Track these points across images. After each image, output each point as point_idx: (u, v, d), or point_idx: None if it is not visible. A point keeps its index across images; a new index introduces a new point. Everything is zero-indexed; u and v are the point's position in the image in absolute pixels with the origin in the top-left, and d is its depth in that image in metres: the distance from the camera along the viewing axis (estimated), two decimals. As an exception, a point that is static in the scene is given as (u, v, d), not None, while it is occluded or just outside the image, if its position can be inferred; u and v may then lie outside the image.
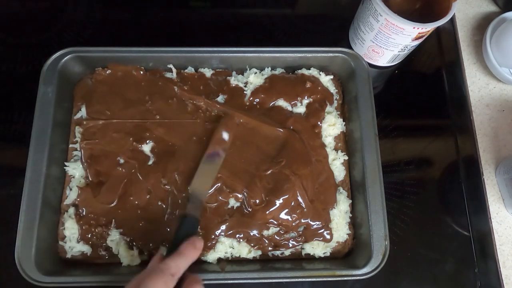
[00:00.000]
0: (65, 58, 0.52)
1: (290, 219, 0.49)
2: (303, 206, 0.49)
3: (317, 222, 0.50)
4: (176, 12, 0.63)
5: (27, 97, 0.51)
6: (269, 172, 0.50)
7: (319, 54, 0.55)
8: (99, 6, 0.62)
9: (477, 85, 0.61)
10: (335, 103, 0.55)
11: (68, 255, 0.47)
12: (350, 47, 0.60)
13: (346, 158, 0.53)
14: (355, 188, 0.52)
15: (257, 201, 0.49)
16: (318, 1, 0.67)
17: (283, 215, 0.49)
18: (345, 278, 0.47)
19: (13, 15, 0.61)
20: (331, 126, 0.54)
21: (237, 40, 0.61)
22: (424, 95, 0.61)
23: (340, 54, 0.54)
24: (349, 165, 0.53)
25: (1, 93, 0.56)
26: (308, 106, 0.54)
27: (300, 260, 0.50)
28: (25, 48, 0.58)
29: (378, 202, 0.48)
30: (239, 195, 0.49)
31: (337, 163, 0.53)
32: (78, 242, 0.47)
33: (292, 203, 0.49)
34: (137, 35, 0.61)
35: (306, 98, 0.54)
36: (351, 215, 0.51)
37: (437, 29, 0.62)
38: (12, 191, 0.50)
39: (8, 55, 0.58)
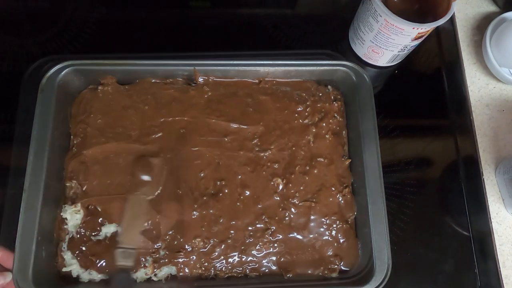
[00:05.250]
0: (65, 71, 0.51)
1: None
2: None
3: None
4: (176, 12, 0.63)
5: (27, 97, 0.51)
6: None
7: (318, 68, 0.55)
8: (99, 6, 0.62)
9: (477, 85, 0.61)
10: (336, 108, 0.55)
11: (67, 269, 0.47)
12: (350, 47, 0.60)
13: (349, 161, 0.53)
14: (355, 188, 0.52)
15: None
16: (318, 1, 0.67)
17: None
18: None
19: (13, 14, 0.61)
20: (331, 127, 0.54)
21: (237, 40, 0.61)
22: (424, 95, 0.61)
23: (342, 68, 0.54)
24: (349, 166, 0.53)
25: (1, 93, 0.56)
26: (308, 117, 0.54)
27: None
28: (24, 47, 0.58)
29: (379, 202, 0.48)
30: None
31: (337, 165, 0.53)
32: (80, 268, 0.47)
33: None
34: (136, 34, 0.61)
35: (306, 113, 0.54)
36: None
37: (437, 29, 0.62)
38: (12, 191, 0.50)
39: (7, 55, 0.58)
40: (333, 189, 0.51)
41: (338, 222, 0.50)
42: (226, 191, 0.50)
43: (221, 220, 0.49)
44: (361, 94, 0.53)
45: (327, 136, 0.54)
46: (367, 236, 0.48)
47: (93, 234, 0.48)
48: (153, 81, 0.54)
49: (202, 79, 0.54)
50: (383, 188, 0.49)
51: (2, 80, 0.57)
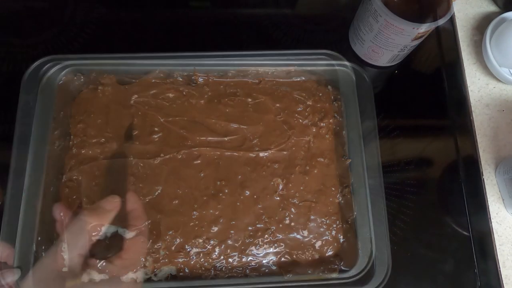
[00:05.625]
0: (65, 71, 0.51)
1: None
2: None
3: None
4: (176, 12, 0.63)
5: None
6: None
7: (318, 68, 0.55)
8: (99, 6, 0.62)
9: (477, 85, 0.61)
10: (336, 108, 0.55)
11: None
12: (350, 47, 0.60)
13: (349, 161, 0.53)
14: (355, 188, 0.52)
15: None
16: (318, 1, 0.67)
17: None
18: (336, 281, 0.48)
19: (13, 14, 0.61)
20: (331, 127, 0.54)
21: (237, 40, 0.61)
22: (424, 95, 0.61)
23: (342, 68, 0.54)
24: (349, 166, 0.53)
25: (1, 93, 0.56)
26: (308, 117, 0.55)
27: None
28: (24, 47, 0.58)
29: (379, 202, 0.48)
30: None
31: (337, 165, 0.53)
32: None
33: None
34: (136, 34, 0.61)
35: (306, 113, 0.54)
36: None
37: (437, 29, 0.62)
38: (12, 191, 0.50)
39: (7, 55, 0.58)
40: (333, 189, 0.51)
41: (338, 222, 0.50)
42: (226, 191, 0.50)
43: (221, 220, 0.49)
44: (361, 94, 0.53)
45: (327, 136, 0.54)
46: (367, 236, 0.48)
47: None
48: (153, 81, 0.54)
49: (202, 79, 0.55)
50: (383, 188, 0.49)
51: (2, 80, 0.57)
